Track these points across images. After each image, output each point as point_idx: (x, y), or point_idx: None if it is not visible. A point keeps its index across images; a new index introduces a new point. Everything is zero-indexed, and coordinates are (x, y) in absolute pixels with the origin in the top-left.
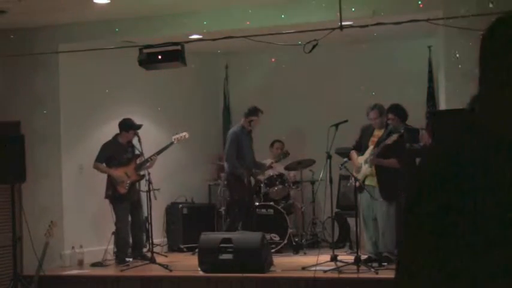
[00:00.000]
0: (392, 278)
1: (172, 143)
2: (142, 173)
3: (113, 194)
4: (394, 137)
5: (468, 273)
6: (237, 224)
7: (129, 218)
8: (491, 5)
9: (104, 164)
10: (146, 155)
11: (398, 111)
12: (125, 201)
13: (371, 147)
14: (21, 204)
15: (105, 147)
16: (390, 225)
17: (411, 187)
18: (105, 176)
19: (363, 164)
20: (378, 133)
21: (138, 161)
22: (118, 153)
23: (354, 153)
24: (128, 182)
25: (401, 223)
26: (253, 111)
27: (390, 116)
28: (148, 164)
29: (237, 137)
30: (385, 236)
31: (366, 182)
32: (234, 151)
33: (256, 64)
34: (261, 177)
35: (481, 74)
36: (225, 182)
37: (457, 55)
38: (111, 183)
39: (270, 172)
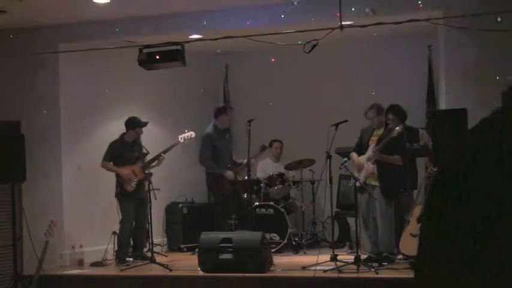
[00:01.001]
0: (392, 278)
1: (178, 143)
2: (149, 171)
3: (120, 192)
4: (400, 128)
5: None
6: (223, 224)
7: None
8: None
9: (112, 163)
10: (153, 154)
11: (398, 111)
12: (131, 200)
13: (372, 145)
14: (21, 203)
15: (113, 145)
16: (389, 225)
17: (435, 181)
18: (106, 175)
19: (365, 162)
20: (378, 132)
21: (145, 160)
22: (125, 151)
23: (354, 155)
24: (135, 180)
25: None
26: (221, 110)
27: (389, 116)
28: (156, 163)
29: (210, 137)
30: (384, 235)
31: (366, 181)
32: (207, 152)
33: (256, 64)
34: (261, 177)
35: None
36: (206, 183)
37: (458, 59)
38: (119, 182)
39: (270, 172)
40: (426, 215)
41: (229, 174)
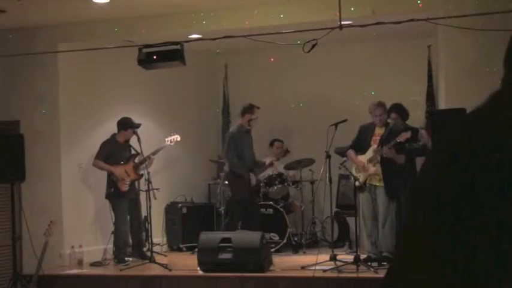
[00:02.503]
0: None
1: (165, 146)
2: (141, 172)
3: (114, 191)
4: (408, 133)
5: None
6: (236, 224)
7: (128, 217)
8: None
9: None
10: (145, 154)
11: (401, 111)
12: (124, 199)
13: (374, 146)
14: (21, 203)
15: (104, 145)
16: (391, 224)
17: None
18: (105, 175)
19: (366, 163)
20: (379, 131)
21: (136, 160)
22: (117, 151)
23: (352, 153)
24: (128, 180)
25: (405, 217)
26: (248, 109)
27: (393, 115)
28: (146, 164)
29: (234, 136)
30: (385, 235)
31: (367, 181)
32: (232, 150)
33: (255, 63)
34: (261, 177)
35: (506, 73)
36: (226, 181)
37: (458, 59)
38: (112, 181)
39: (269, 171)
40: (409, 213)
41: (253, 177)
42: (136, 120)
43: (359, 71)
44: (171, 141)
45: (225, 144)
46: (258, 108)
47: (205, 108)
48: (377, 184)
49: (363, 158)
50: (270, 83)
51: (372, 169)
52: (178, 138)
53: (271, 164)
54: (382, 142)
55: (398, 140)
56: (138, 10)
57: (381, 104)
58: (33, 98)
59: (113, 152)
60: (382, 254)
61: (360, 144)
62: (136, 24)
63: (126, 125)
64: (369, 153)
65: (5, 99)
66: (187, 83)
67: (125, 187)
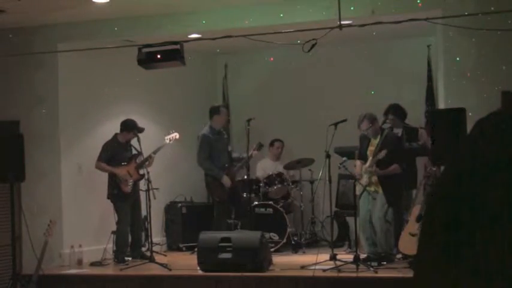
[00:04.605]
0: (392, 277)
1: (165, 144)
2: (142, 172)
3: (118, 192)
4: (383, 153)
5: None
6: (222, 224)
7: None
8: (492, 8)
9: (104, 163)
10: (145, 154)
11: (398, 111)
12: (127, 200)
13: (370, 158)
14: (20, 203)
15: (107, 146)
16: (388, 226)
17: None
18: (105, 175)
19: (362, 173)
20: (374, 141)
21: (137, 160)
22: (119, 152)
23: (358, 163)
24: (131, 180)
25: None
26: (214, 110)
27: (390, 116)
28: (147, 163)
29: (206, 139)
30: (383, 236)
31: (366, 188)
32: (205, 153)
33: (255, 63)
34: (260, 176)
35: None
36: (205, 184)
37: (457, 59)
38: (115, 182)
39: (269, 171)
40: (426, 218)
41: (226, 180)
42: (136, 119)
43: (358, 71)
44: (170, 140)
45: (198, 145)
46: (225, 107)
47: (205, 108)
48: (375, 190)
49: (363, 168)
50: (269, 83)
51: (364, 179)
52: (177, 136)
53: (251, 156)
54: (375, 154)
55: (378, 158)
56: (137, 10)
57: (366, 117)
58: (33, 98)
59: (116, 152)
60: (381, 255)
61: (362, 154)
62: (136, 24)
63: (131, 126)
64: (367, 165)
65: (5, 99)
66: (187, 83)
67: (128, 188)
